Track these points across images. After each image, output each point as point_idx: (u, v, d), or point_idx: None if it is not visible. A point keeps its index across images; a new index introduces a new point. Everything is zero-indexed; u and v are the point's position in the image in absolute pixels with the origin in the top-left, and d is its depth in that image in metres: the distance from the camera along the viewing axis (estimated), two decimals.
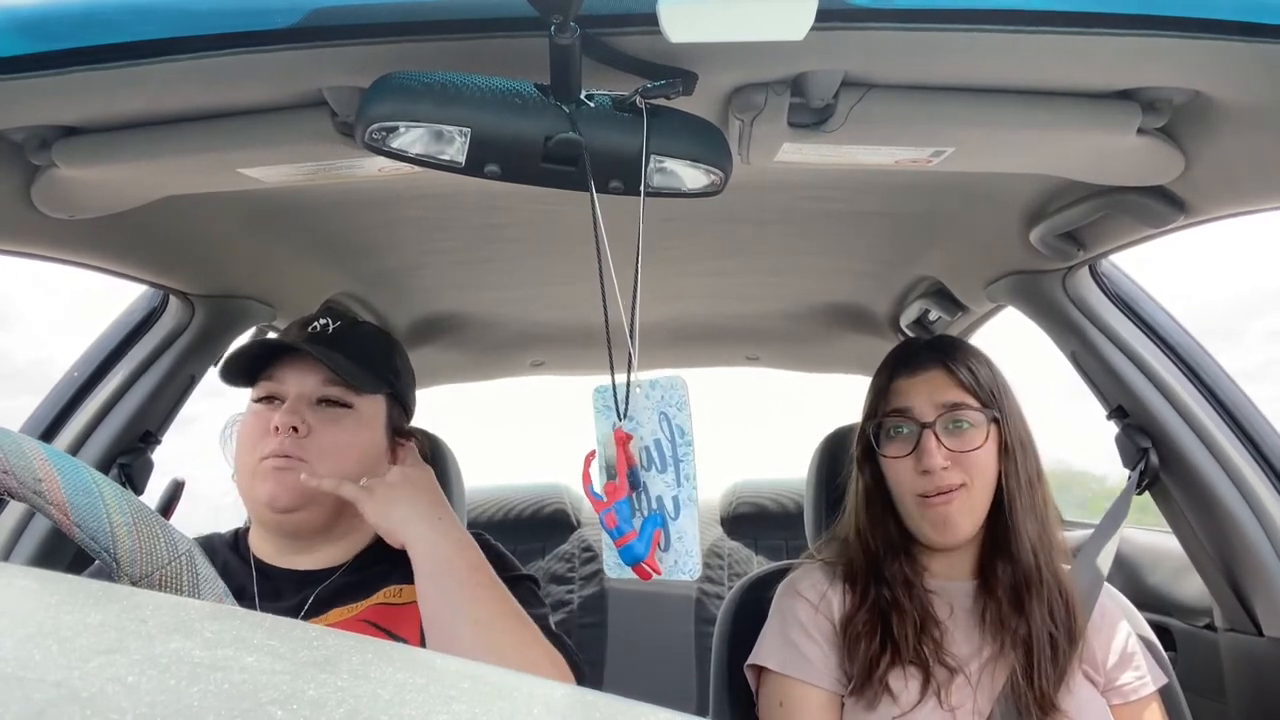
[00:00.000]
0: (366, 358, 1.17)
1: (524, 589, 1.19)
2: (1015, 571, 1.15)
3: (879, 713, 1.11)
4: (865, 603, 1.17)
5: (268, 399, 1.13)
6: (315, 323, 1.18)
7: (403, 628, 1.07)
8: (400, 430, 1.21)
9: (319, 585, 1.11)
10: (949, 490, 1.13)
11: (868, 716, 1.12)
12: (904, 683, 1.11)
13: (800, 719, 1.16)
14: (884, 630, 1.14)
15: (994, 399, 1.17)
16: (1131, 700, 1.17)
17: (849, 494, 1.27)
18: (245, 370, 1.15)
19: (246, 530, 1.19)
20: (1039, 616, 1.13)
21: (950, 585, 1.20)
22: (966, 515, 1.15)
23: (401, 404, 1.22)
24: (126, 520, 0.46)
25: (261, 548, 1.15)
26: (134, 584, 0.46)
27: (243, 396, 1.17)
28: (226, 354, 1.14)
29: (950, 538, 1.15)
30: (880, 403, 1.21)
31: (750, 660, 1.23)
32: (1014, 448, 1.17)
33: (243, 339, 1.57)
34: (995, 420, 1.16)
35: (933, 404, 1.16)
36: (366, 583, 1.12)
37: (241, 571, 1.12)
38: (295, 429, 1.08)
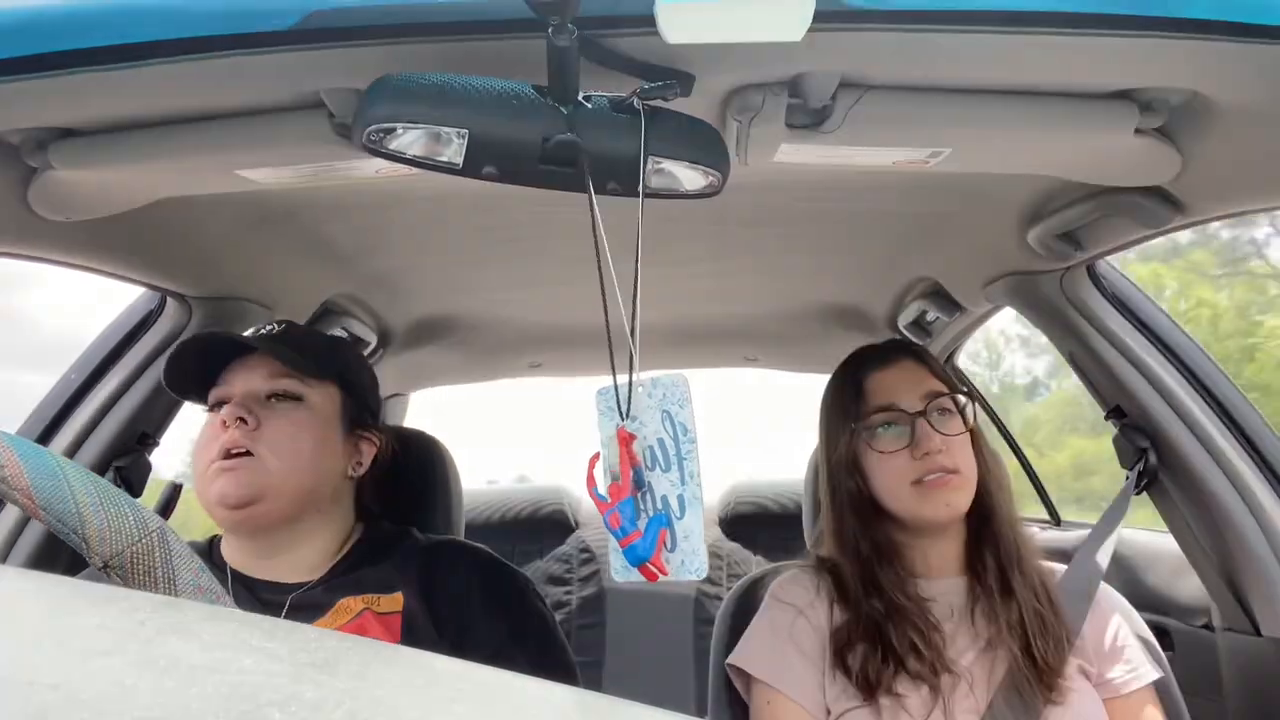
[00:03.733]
0: (312, 349, 1.17)
1: (525, 605, 1.18)
2: (1000, 554, 1.18)
3: None
4: (859, 613, 1.17)
5: (219, 404, 1.12)
6: (263, 328, 1.19)
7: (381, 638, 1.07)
8: (360, 424, 1.20)
9: (292, 595, 1.10)
10: (947, 471, 1.15)
11: None
12: (911, 694, 1.11)
13: None
14: (882, 641, 1.13)
15: (957, 387, 1.22)
16: (1123, 694, 1.17)
17: (828, 505, 1.25)
18: (196, 382, 1.15)
19: (222, 538, 1.18)
20: (1026, 594, 1.15)
21: (942, 583, 1.20)
22: (961, 494, 1.17)
23: (359, 398, 1.21)
24: (92, 500, 0.46)
25: (234, 556, 1.14)
26: (105, 563, 0.45)
27: None
28: (167, 357, 1.12)
29: (949, 514, 1.17)
30: (859, 404, 1.21)
31: (733, 660, 1.22)
32: (979, 430, 1.21)
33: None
34: (966, 414, 1.21)
35: (918, 394, 1.18)
36: (343, 589, 1.11)
37: (216, 579, 1.11)
38: (244, 420, 1.07)
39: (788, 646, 1.18)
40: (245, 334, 1.23)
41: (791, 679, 1.16)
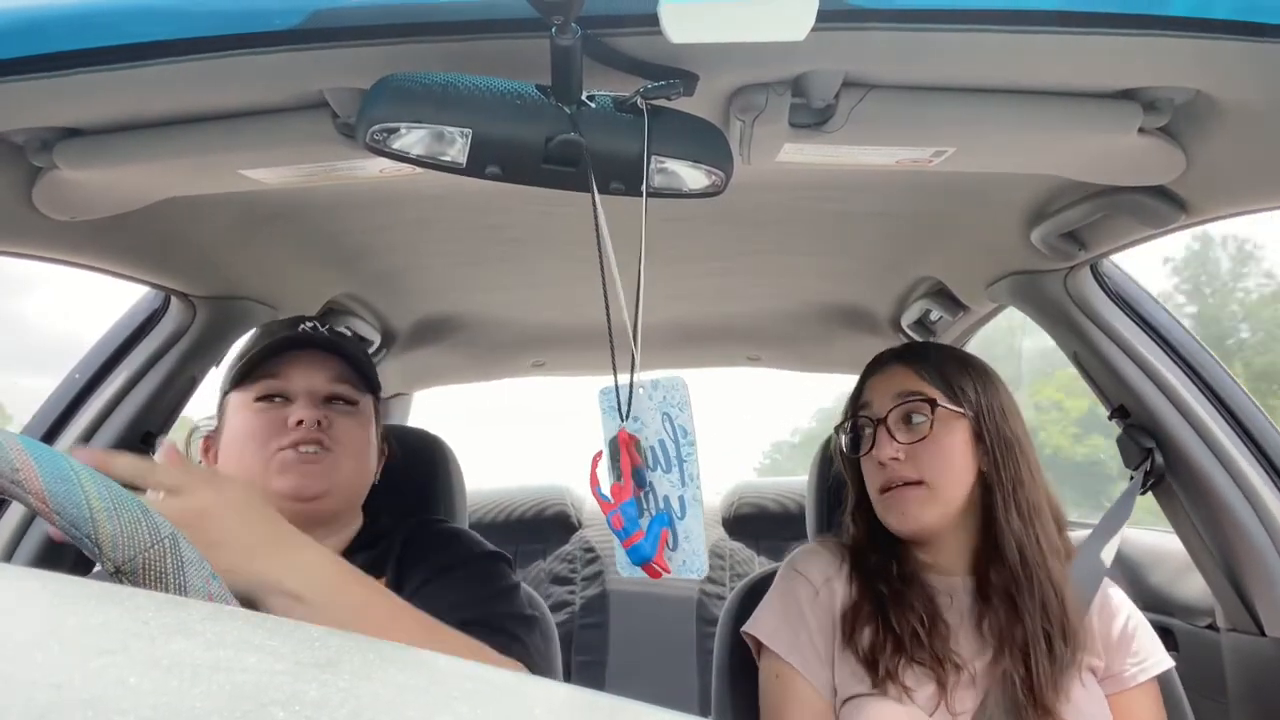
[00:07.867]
0: (362, 359, 1.19)
1: (482, 571, 1.12)
2: (1004, 573, 1.15)
3: (891, 712, 1.10)
4: (866, 594, 1.18)
5: (269, 398, 1.12)
6: (304, 325, 1.19)
7: None
8: (384, 433, 1.24)
9: None
10: (903, 484, 1.15)
11: (881, 715, 1.11)
12: (918, 689, 1.10)
13: (789, 701, 1.16)
14: (884, 623, 1.14)
15: (961, 394, 1.17)
16: (1128, 687, 1.17)
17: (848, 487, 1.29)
18: (244, 372, 1.15)
19: None
20: (1032, 617, 1.12)
21: (949, 581, 1.20)
22: (925, 507, 1.15)
23: (381, 408, 1.25)
24: (106, 505, 0.46)
25: None
26: (117, 569, 0.45)
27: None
28: (245, 353, 1.15)
29: (908, 526, 1.16)
30: (851, 406, 1.25)
31: (747, 629, 1.24)
32: (995, 445, 1.16)
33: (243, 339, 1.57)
34: (963, 415, 1.16)
35: (888, 397, 1.18)
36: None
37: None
38: (319, 422, 1.09)
39: (800, 621, 1.19)
40: (288, 327, 1.23)
41: (801, 654, 1.17)
